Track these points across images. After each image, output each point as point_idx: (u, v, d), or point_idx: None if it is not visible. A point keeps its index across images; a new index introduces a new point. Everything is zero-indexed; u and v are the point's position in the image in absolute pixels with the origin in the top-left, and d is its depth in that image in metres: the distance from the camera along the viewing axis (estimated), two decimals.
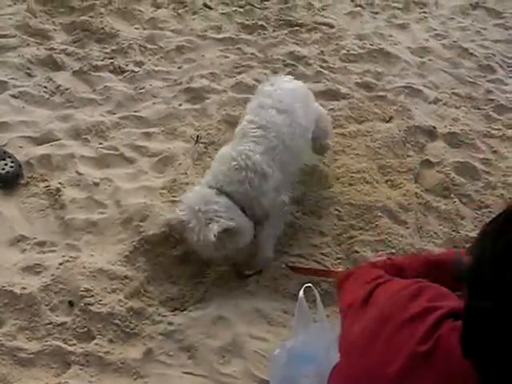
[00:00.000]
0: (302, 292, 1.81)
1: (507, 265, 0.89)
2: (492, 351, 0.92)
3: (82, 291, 2.11)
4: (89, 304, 2.08)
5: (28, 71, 3.26)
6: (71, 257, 2.25)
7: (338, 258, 2.42)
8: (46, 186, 2.56)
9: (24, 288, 2.10)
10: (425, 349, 1.01)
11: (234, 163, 2.17)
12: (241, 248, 2.18)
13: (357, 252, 2.43)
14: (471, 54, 4.02)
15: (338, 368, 1.23)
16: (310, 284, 1.87)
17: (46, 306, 2.07)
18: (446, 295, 1.14)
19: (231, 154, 2.21)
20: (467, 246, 2.54)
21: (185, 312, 2.15)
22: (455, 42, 4.14)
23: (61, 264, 2.21)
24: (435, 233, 2.60)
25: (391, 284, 1.25)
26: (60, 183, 2.57)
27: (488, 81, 3.77)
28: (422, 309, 1.07)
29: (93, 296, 2.11)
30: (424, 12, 4.52)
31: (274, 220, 2.32)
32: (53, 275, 2.16)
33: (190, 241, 2.12)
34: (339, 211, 2.61)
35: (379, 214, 2.60)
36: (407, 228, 2.59)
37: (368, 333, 1.14)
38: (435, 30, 4.29)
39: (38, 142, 2.81)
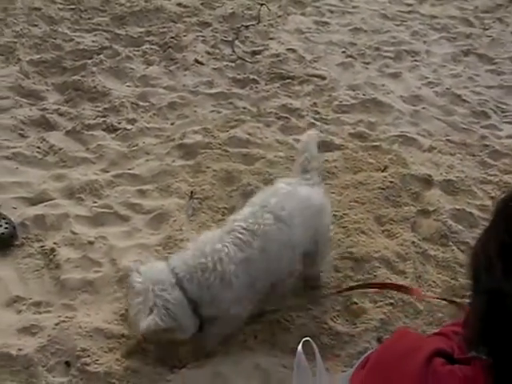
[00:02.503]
0: (300, 347, 1.91)
1: None
2: None
3: (79, 351, 2.21)
4: (85, 364, 2.17)
5: (21, 132, 3.45)
6: (67, 317, 2.35)
7: (337, 311, 2.53)
8: (41, 247, 2.69)
9: (20, 349, 2.19)
10: None
11: (203, 261, 2.15)
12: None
13: (355, 303, 2.55)
14: (464, 100, 4.26)
15: None
16: (308, 338, 1.96)
17: (43, 367, 2.16)
18: (428, 338, 1.27)
19: (205, 249, 2.18)
20: (467, 294, 2.66)
21: (183, 369, 2.23)
22: (448, 89, 4.38)
23: (57, 324, 2.31)
24: (434, 281, 2.72)
25: None
26: (55, 243, 2.71)
27: (482, 127, 3.98)
28: (408, 348, 1.20)
29: (89, 356, 2.20)
30: (416, 60, 4.79)
31: (223, 323, 2.28)
32: (49, 336, 2.26)
33: (130, 307, 2.19)
34: (336, 263, 2.73)
35: (377, 264, 2.73)
36: (406, 278, 2.71)
37: None
38: (427, 77, 4.54)
39: (32, 202, 2.96)
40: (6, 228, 2.70)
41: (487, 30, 5.48)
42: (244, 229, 2.23)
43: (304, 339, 1.94)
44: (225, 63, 4.38)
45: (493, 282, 1.12)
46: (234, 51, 4.53)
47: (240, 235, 2.22)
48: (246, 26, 4.93)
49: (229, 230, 2.25)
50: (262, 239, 2.22)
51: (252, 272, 2.22)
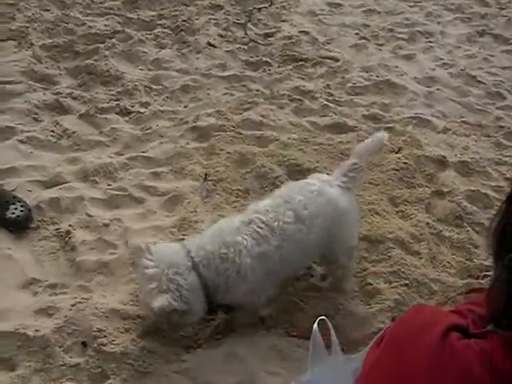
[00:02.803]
0: (315, 325, 1.91)
1: None
2: None
3: (95, 332, 2.22)
4: (102, 344, 2.18)
5: (35, 116, 3.45)
6: (83, 298, 2.36)
7: (352, 291, 2.52)
8: (57, 229, 2.70)
9: (37, 330, 2.21)
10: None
11: (224, 251, 2.12)
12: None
13: (370, 284, 2.54)
14: (479, 81, 4.21)
15: None
16: (323, 317, 1.96)
17: (60, 347, 2.18)
18: (443, 313, 1.26)
19: (226, 239, 2.14)
20: (482, 274, 2.65)
21: (198, 349, 2.25)
22: (463, 70, 4.33)
23: (73, 305, 2.32)
24: (449, 262, 2.71)
25: None
26: (70, 225, 2.71)
27: (497, 108, 3.94)
28: (423, 323, 1.19)
29: (106, 336, 2.21)
30: (430, 41, 4.73)
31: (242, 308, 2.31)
32: (65, 317, 2.27)
33: (140, 287, 2.20)
34: None
35: (391, 245, 2.72)
36: (420, 258, 2.70)
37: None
38: (442, 59, 4.49)
39: (47, 185, 2.96)
40: (22, 211, 2.71)
41: (503, 9, 5.39)
42: (263, 223, 2.19)
43: (319, 318, 1.94)
44: (237, 46, 4.35)
45: None
46: (246, 34, 4.50)
47: (259, 229, 2.17)
48: (259, 9, 4.88)
49: (248, 222, 2.20)
50: (279, 236, 2.18)
51: (268, 265, 2.19)
